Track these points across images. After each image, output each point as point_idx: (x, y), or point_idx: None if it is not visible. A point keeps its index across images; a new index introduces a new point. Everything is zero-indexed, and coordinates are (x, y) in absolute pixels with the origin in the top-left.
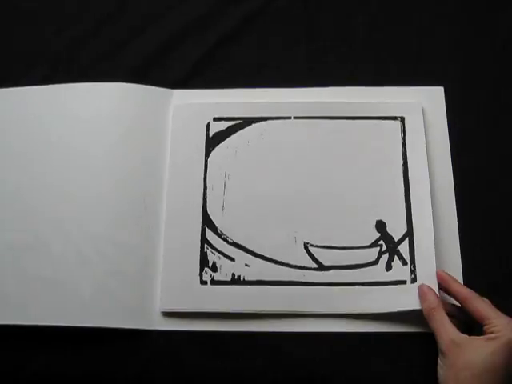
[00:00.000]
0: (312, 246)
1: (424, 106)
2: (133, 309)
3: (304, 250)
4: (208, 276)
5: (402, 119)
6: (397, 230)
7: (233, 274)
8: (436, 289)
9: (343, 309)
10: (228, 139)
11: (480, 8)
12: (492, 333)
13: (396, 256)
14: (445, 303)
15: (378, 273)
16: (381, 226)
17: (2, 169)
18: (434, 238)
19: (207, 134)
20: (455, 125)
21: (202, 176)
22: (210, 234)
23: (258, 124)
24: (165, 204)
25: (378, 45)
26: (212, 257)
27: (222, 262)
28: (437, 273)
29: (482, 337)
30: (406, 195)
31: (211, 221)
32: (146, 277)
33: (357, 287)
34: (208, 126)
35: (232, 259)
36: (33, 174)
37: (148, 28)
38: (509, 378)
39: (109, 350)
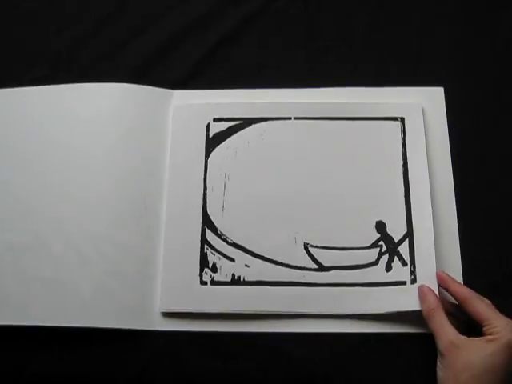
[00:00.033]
0: (312, 246)
1: (424, 107)
2: (133, 309)
3: (304, 251)
4: (208, 276)
5: (402, 120)
6: (397, 230)
7: (233, 275)
8: (436, 289)
9: (343, 309)
10: (228, 140)
11: (480, 8)
12: (491, 334)
13: (396, 257)
14: (446, 302)
15: (377, 273)
16: (381, 226)
17: (2, 169)
18: (434, 239)
19: (207, 135)
20: (455, 125)
21: (202, 176)
22: (209, 235)
23: (258, 124)
24: (165, 204)
25: (378, 45)
26: (212, 257)
27: (222, 262)
28: (437, 273)
29: (481, 338)
30: (406, 196)
31: (211, 221)
32: (146, 277)
33: (357, 288)
34: (208, 126)
35: (232, 260)
36: (33, 174)
37: (148, 28)
38: (509, 379)
39: (109, 351)
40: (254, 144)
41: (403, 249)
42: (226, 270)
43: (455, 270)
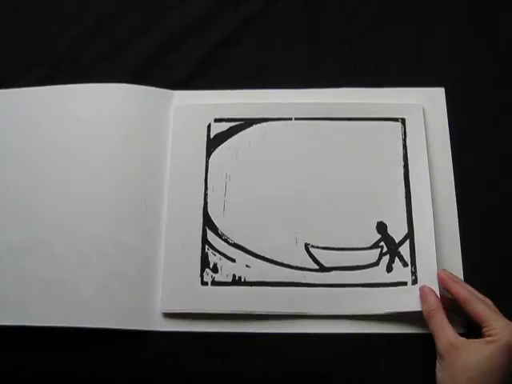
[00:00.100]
0: (313, 247)
1: (425, 107)
2: (133, 309)
3: (305, 251)
4: (209, 277)
5: (403, 120)
6: (397, 231)
7: (233, 275)
8: (437, 290)
9: (344, 310)
10: (229, 140)
11: (480, 8)
12: (490, 335)
13: (397, 257)
14: (449, 299)
15: (378, 274)
16: (381, 227)
17: (2, 170)
18: (435, 239)
19: (208, 135)
20: (456, 125)
21: (203, 177)
22: (210, 235)
23: (258, 125)
24: (166, 205)
25: (379, 45)
26: (213, 258)
27: (222, 262)
28: (438, 274)
29: (479, 340)
30: (406, 197)
31: (212, 222)
32: (146, 277)
33: (357, 288)
34: (209, 126)
35: (233, 260)
36: (33, 174)
37: (149, 28)
38: (507, 381)
39: (109, 351)
40: (255, 144)
41: (404, 249)
42: (226, 271)
43: (456, 270)
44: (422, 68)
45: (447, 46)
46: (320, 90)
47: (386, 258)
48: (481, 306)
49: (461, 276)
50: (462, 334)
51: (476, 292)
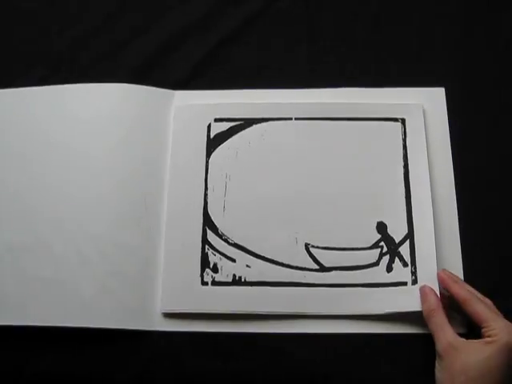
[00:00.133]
0: (313, 247)
1: (425, 107)
2: (133, 309)
3: (305, 251)
4: (209, 277)
5: (403, 121)
6: (397, 231)
7: (234, 275)
8: (437, 290)
9: (344, 310)
10: (229, 140)
11: (481, 8)
12: (489, 336)
13: (397, 257)
14: (449, 298)
15: (378, 274)
16: (381, 227)
17: (2, 170)
18: (435, 239)
19: (208, 135)
20: (456, 126)
21: (203, 177)
22: (210, 235)
23: (258, 125)
24: (166, 205)
25: (379, 45)
26: (213, 258)
27: (222, 262)
28: (437, 274)
29: (479, 340)
30: (406, 197)
31: (212, 222)
32: (146, 277)
33: (358, 288)
34: (209, 126)
35: (233, 260)
36: (33, 174)
37: (149, 28)
38: (506, 382)
39: (109, 351)
40: (255, 144)
41: (404, 249)
42: (226, 271)
43: (456, 270)
44: (422, 68)
45: (447, 46)
46: (320, 90)
47: (386, 258)
48: (480, 306)
49: (461, 276)
50: (462, 334)
51: (476, 292)
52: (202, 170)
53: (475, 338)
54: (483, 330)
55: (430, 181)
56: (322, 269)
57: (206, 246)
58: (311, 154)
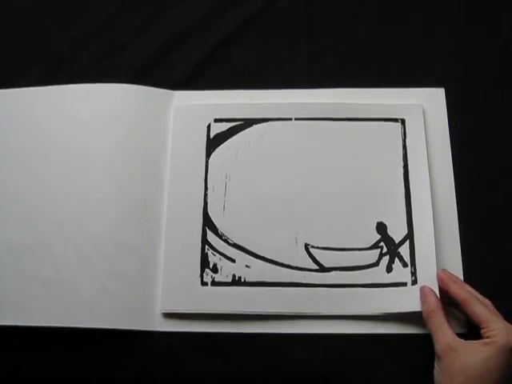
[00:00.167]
0: (313, 247)
1: (425, 108)
2: (133, 310)
3: (305, 252)
4: (209, 277)
5: (403, 121)
6: (397, 231)
7: (233, 276)
8: (437, 290)
9: (344, 310)
10: (229, 140)
11: (481, 8)
12: (488, 337)
13: (396, 258)
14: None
15: (378, 275)
16: (381, 227)
17: (2, 170)
18: (435, 240)
19: (208, 135)
20: (456, 126)
21: (203, 177)
22: (210, 235)
23: (258, 125)
24: (165, 205)
25: (379, 45)
26: (213, 258)
27: (222, 263)
28: (437, 275)
29: (477, 341)
30: (406, 197)
31: (212, 222)
32: (146, 278)
33: (357, 289)
34: (209, 127)
35: (233, 260)
36: (33, 174)
37: (149, 29)
38: (505, 382)
39: (109, 351)
40: (255, 144)
41: (404, 250)
42: (226, 271)
43: (456, 270)
44: (422, 68)
45: (447, 46)
46: (320, 90)
47: (385, 259)
48: (480, 307)
49: (461, 276)
50: (462, 335)
51: (475, 292)
52: (201, 171)
53: (475, 339)
54: (482, 331)
55: (430, 181)
56: (322, 269)
57: (206, 247)
58: (311, 155)
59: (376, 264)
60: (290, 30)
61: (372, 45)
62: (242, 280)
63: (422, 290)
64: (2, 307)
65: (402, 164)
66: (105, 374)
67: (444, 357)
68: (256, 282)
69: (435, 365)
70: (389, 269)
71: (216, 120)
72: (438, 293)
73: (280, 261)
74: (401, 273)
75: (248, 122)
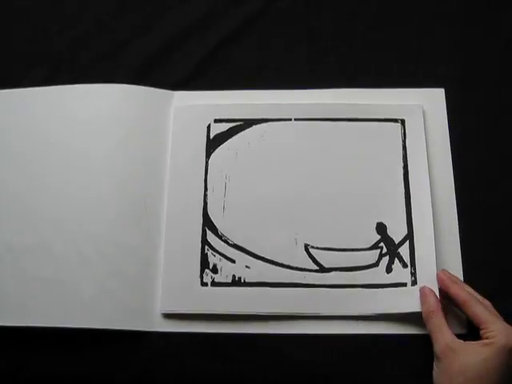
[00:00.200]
0: (313, 247)
1: (425, 108)
2: (133, 310)
3: (305, 252)
4: (209, 278)
5: (403, 122)
6: (397, 232)
7: (233, 276)
8: (437, 291)
9: (343, 311)
10: (229, 141)
11: (480, 8)
12: (487, 338)
13: (396, 258)
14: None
15: (378, 275)
16: (381, 228)
17: (2, 170)
18: (435, 240)
19: (208, 136)
20: (456, 126)
21: (203, 177)
22: (210, 236)
23: (258, 126)
24: (165, 205)
25: (379, 45)
26: (213, 258)
27: (222, 263)
28: (437, 275)
29: (477, 342)
30: (406, 198)
31: (212, 222)
32: (146, 278)
33: (357, 289)
34: (209, 127)
35: (233, 261)
36: (33, 174)
37: (149, 29)
38: (504, 383)
39: (109, 351)
40: (255, 145)
41: (404, 250)
42: (226, 271)
43: (456, 271)
44: (422, 68)
45: (447, 46)
46: (320, 90)
47: (385, 259)
48: (479, 308)
49: (460, 277)
50: (461, 335)
51: (475, 293)
52: (201, 171)
53: (475, 339)
54: (481, 332)
55: (430, 181)
56: (322, 269)
57: (206, 247)
58: (311, 155)
59: (376, 264)
60: (290, 30)
61: (372, 45)
62: (242, 280)
63: (422, 290)
64: (1, 307)
65: (401, 164)
66: (105, 373)
67: (443, 357)
68: (256, 282)
69: (434, 365)
70: (389, 269)
71: (216, 120)
72: (437, 293)
73: (280, 261)
74: (401, 273)
75: (248, 123)
